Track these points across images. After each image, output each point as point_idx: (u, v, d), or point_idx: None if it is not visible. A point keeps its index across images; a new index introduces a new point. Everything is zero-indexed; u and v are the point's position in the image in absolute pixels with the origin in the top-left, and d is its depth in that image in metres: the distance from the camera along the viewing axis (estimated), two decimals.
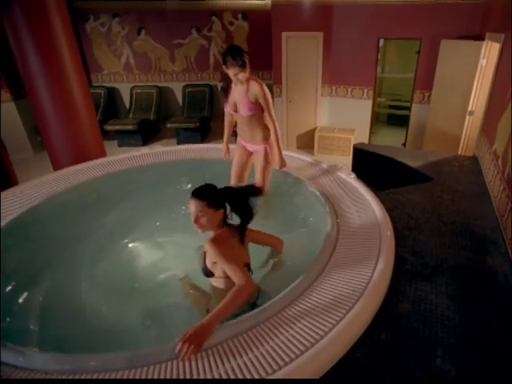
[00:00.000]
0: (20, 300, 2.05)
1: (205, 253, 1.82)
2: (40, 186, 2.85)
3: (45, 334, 1.86)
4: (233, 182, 2.92)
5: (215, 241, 1.73)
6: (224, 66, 2.52)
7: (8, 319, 1.87)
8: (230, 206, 1.87)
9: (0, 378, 1.19)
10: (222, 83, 2.73)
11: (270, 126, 2.68)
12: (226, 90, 2.70)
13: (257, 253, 2.11)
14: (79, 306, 2.12)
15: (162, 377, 1.28)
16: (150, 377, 1.28)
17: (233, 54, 2.41)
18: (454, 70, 4.83)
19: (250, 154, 2.92)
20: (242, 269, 1.65)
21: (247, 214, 1.89)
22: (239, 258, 1.77)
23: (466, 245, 2.15)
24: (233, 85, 2.66)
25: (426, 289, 1.78)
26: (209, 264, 1.80)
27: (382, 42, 6.31)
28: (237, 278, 1.61)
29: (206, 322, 1.42)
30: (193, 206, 1.75)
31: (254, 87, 2.55)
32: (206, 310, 1.87)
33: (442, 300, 1.71)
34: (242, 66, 2.44)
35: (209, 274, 1.83)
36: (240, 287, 1.57)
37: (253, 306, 1.80)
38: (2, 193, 2.73)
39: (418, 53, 5.64)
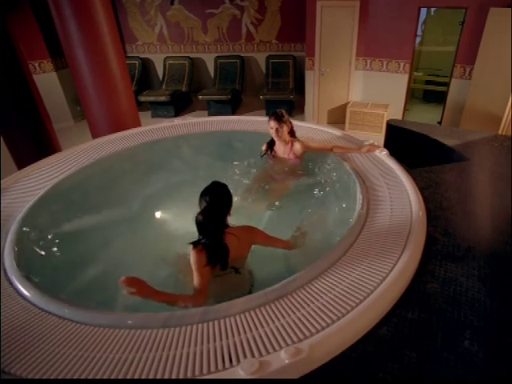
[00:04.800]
0: (64, 257, 2.19)
1: None
2: (80, 153, 2.99)
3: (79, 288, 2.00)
4: None
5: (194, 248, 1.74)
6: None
7: (55, 275, 2.02)
8: None
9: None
10: None
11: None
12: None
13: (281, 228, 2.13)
14: (114, 267, 2.24)
15: (193, 337, 1.35)
16: (182, 336, 1.36)
17: None
18: (502, 42, 4.52)
19: None
20: (202, 284, 1.66)
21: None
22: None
23: (501, 229, 2.08)
24: None
25: (456, 270, 1.75)
26: None
27: (423, 12, 5.94)
28: (194, 287, 1.65)
29: (158, 293, 1.52)
30: None
31: None
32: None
33: (473, 283, 1.68)
34: None
35: None
36: (191, 297, 1.60)
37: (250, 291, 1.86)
38: (46, 159, 2.90)
39: (462, 23, 5.29)
